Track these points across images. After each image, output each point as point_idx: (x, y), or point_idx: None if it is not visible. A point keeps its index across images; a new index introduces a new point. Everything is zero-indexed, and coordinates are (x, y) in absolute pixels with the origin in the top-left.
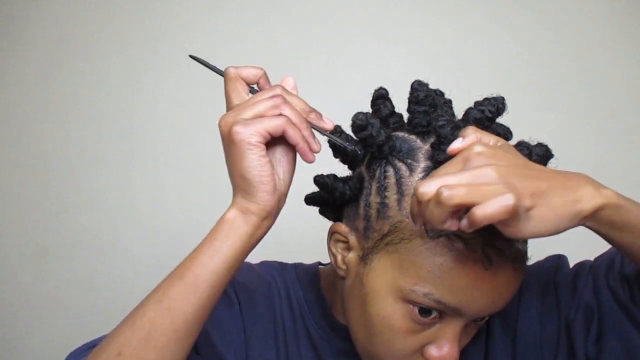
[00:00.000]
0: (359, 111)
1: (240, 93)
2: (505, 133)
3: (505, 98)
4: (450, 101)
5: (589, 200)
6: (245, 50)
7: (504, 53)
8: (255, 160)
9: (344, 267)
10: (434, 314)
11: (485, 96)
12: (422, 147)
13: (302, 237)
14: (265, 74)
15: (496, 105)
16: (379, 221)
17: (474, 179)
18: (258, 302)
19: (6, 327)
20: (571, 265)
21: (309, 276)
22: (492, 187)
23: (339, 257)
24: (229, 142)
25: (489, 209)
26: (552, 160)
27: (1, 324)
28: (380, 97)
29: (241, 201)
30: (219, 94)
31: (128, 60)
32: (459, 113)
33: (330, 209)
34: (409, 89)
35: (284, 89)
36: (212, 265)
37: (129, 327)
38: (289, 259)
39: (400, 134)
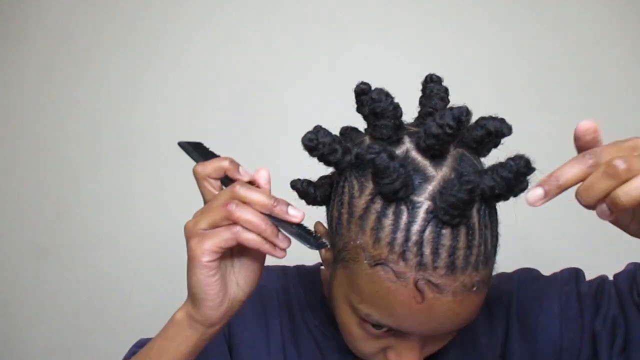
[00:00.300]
0: (309, 131)
1: (211, 191)
2: (497, 129)
3: (505, 97)
4: (445, 89)
5: None
6: (245, 51)
7: (504, 53)
8: (202, 279)
9: (325, 263)
10: (385, 328)
11: (450, 106)
12: None
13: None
14: (230, 163)
15: (457, 117)
16: (336, 236)
17: None
18: (246, 309)
19: (6, 327)
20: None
21: (310, 276)
22: None
23: (321, 252)
24: (187, 251)
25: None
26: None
27: (1, 324)
28: (362, 93)
29: (189, 307)
30: (219, 94)
31: (128, 60)
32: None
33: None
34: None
35: (242, 185)
36: None
37: None
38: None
39: (367, 141)
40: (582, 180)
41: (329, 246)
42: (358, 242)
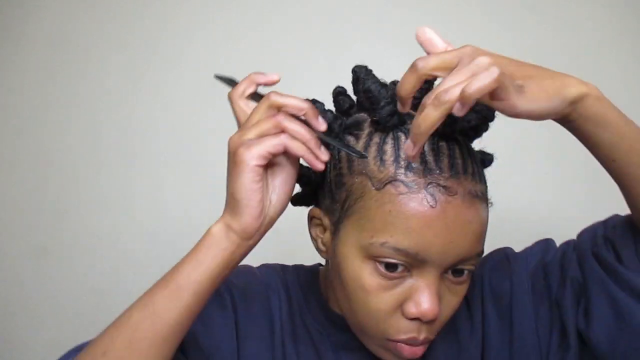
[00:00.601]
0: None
1: (246, 111)
2: (481, 110)
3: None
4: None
5: (575, 85)
6: (245, 51)
7: (504, 53)
8: (248, 184)
9: (323, 248)
10: (400, 268)
11: None
12: (367, 119)
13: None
14: (310, 106)
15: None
16: (337, 191)
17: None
18: (254, 303)
19: (6, 327)
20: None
21: (309, 276)
22: (480, 63)
23: (319, 241)
24: (232, 161)
25: (479, 82)
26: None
27: (1, 324)
28: (340, 94)
29: (227, 218)
30: (219, 94)
31: (128, 60)
32: None
33: (311, 200)
34: None
35: (276, 93)
36: (195, 275)
37: (115, 328)
38: (290, 259)
39: (354, 115)
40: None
41: (367, 157)
42: (363, 176)
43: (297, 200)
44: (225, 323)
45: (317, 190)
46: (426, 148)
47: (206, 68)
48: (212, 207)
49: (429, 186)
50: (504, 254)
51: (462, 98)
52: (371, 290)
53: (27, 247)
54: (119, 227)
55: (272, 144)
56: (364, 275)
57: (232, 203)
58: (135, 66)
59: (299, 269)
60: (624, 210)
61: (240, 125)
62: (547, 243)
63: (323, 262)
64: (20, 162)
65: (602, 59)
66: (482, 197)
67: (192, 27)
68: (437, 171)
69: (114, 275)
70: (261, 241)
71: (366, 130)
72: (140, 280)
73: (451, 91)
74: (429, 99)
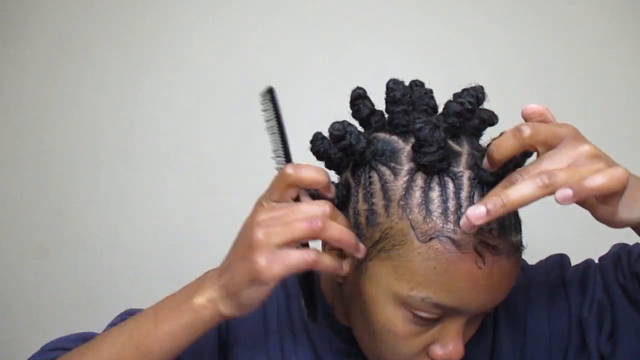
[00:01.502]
0: (335, 121)
1: (285, 196)
2: (490, 117)
3: (504, 97)
4: (430, 91)
5: None
6: (246, 51)
7: (504, 53)
8: (259, 297)
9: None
10: (435, 314)
11: (464, 87)
12: (404, 148)
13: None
14: (327, 181)
15: (475, 94)
16: (370, 228)
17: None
18: None
19: (6, 327)
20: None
21: None
22: (599, 156)
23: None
24: (247, 254)
25: (607, 179)
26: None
27: (1, 324)
28: (359, 97)
29: (219, 304)
30: (219, 94)
31: (128, 60)
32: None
33: None
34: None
35: (291, 168)
36: (169, 347)
37: (92, 352)
38: None
39: (382, 135)
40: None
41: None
42: (405, 222)
43: None
44: (209, 333)
45: None
46: (476, 200)
47: (206, 68)
48: (211, 207)
49: (479, 246)
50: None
51: (579, 189)
52: (402, 336)
53: (27, 247)
54: (118, 227)
55: (298, 263)
56: (397, 322)
57: (232, 296)
58: (135, 66)
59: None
60: None
61: (267, 194)
62: (563, 259)
63: None
64: (20, 162)
65: (602, 59)
66: (520, 249)
67: (192, 27)
68: (487, 231)
69: (114, 275)
70: None
71: (405, 165)
72: (140, 280)
73: (565, 177)
74: (526, 173)
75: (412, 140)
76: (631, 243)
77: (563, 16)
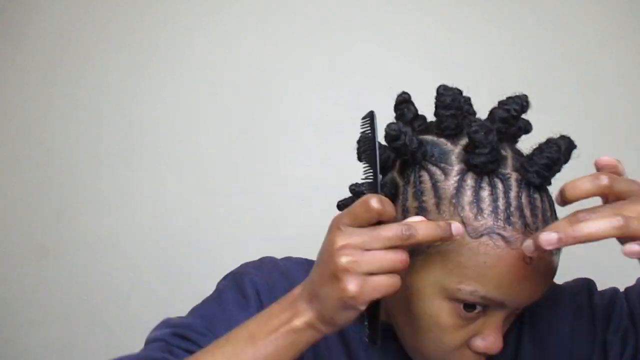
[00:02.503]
0: (392, 122)
1: (364, 223)
2: (525, 126)
3: (503, 95)
4: (469, 98)
5: None
6: (245, 51)
7: (504, 54)
8: (350, 318)
9: None
10: (478, 308)
11: (509, 95)
12: (454, 150)
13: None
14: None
15: (520, 103)
16: None
17: None
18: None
19: (6, 327)
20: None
21: None
22: None
23: None
24: (334, 281)
25: None
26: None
27: (1, 324)
28: (404, 102)
29: (316, 323)
30: (219, 94)
31: (128, 60)
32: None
33: None
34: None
35: (407, 228)
36: None
37: None
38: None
39: (429, 137)
40: (601, 238)
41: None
42: (456, 219)
43: (344, 207)
44: None
45: None
46: (523, 200)
47: (206, 68)
48: (212, 207)
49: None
50: None
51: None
52: (447, 328)
53: (27, 247)
54: (118, 227)
55: (388, 289)
56: (443, 315)
57: (327, 320)
58: (135, 66)
59: None
60: None
61: (350, 215)
62: (590, 284)
63: None
64: (20, 162)
65: (602, 59)
66: (561, 248)
67: (192, 27)
68: (534, 229)
69: (114, 275)
70: (286, 246)
71: (455, 166)
72: (139, 280)
73: (638, 226)
74: (596, 213)
75: (461, 142)
76: None
77: (563, 16)
